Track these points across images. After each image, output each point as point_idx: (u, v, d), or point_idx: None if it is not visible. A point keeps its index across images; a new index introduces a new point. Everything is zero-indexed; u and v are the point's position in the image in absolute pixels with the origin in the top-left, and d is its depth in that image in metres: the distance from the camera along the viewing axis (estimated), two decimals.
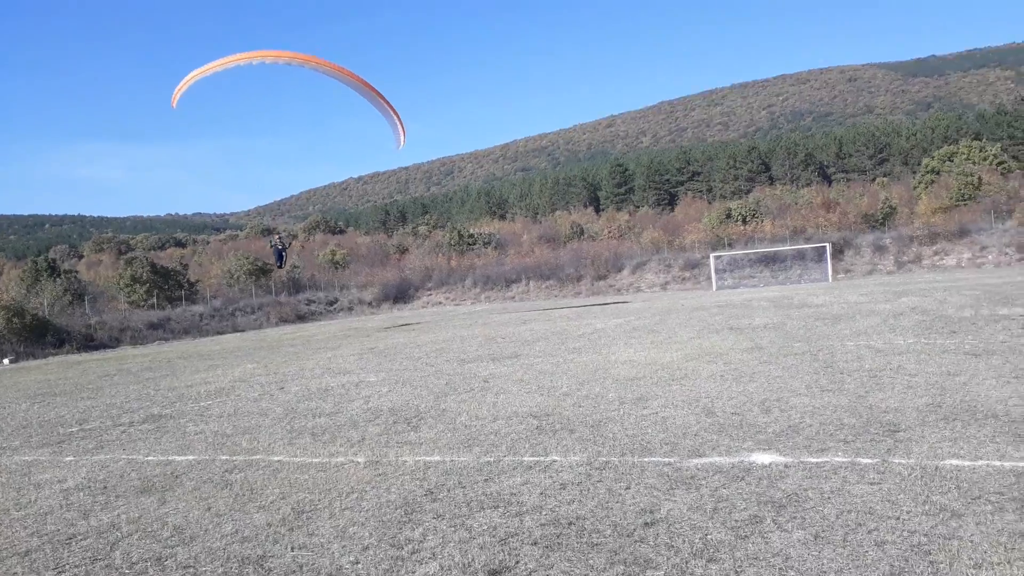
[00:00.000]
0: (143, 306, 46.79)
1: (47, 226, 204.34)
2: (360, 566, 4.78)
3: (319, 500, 6.29)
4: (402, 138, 26.72)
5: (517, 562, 4.63)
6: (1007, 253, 46.63)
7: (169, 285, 50.65)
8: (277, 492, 6.64)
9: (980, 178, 56.86)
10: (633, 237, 67.17)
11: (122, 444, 9.57)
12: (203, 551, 5.27)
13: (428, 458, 7.43)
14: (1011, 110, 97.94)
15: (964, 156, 66.40)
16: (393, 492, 6.34)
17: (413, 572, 4.61)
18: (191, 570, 4.93)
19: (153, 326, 41.16)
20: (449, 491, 6.24)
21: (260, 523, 5.79)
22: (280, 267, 35.45)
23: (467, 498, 6.01)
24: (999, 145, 73.72)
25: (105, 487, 7.36)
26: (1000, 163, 66.38)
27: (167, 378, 17.79)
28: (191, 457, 8.39)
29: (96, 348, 35.87)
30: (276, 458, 8.00)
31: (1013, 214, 49.46)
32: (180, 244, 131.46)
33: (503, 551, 4.82)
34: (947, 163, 66.04)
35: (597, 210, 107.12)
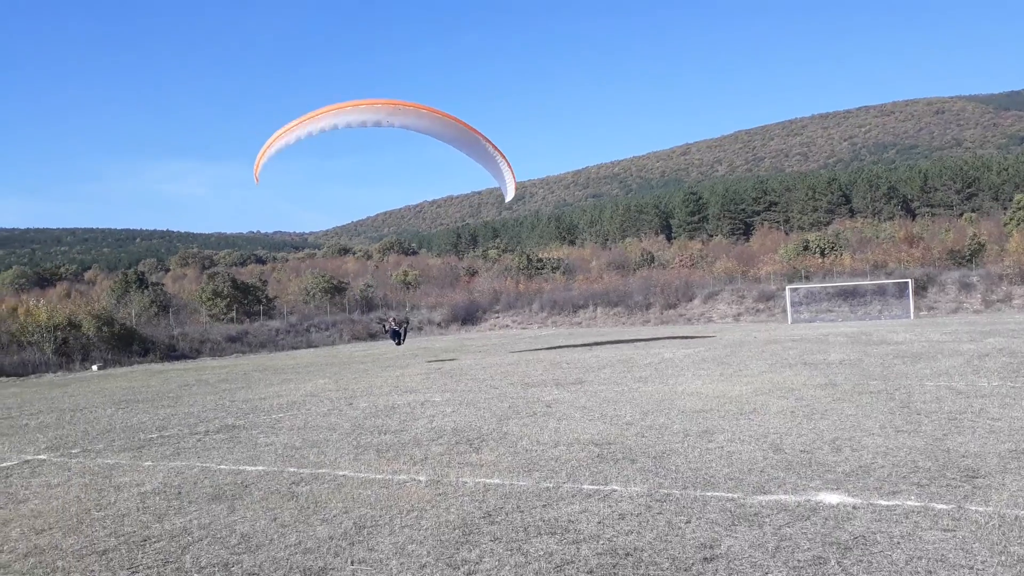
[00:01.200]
0: (223, 319, 48.58)
1: (137, 240, 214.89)
2: None
3: (380, 516, 6.41)
4: (512, 188, 24.71)
5: None
6: None
7: (248, 300, 52.48)
8: (340, 506, 6.80)
9: None
10: (705, 266, 66.14)
11: (197, 452, 9.96)
12: (267, 560, 5.44)
13: (488, 480, 7.48)
14: None
15: None
16: (452, 512, 6.41)
17: None
18: None
19: (231, 339, 42.66)
20: (507, 515, 6.27)
21: (323, 536, 5.94)
22: (399, 344, 31.79)
23: (524, 523, 6.02)
24: None
25: (179, 493, 7.67)
26: None
27: (242, 390, 18.42)
28: (261, 468, 8.67)
29: (178, 358, 37.40)
30: (341, 473, 8.19)
31: None
32: (260, 261, 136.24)
33: None
34: None
35: (669, 238, 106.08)
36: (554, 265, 73.85)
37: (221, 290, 51.21)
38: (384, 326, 29.80)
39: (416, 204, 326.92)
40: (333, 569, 5.18)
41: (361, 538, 5.85)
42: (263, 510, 6.80)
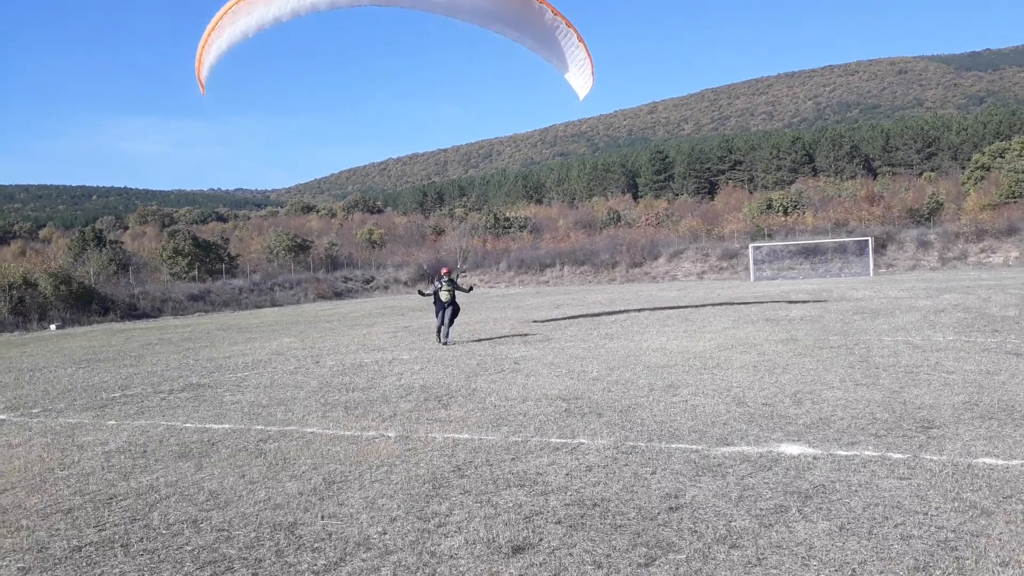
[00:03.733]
0: (184, 278, 47.80)
1: (94, 197, 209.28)
2: (387, 536, 4.89)
3: (350, 472, 6.43)
4: (589, 78, 17.51)
5: (541, 539, 4.70)
6: None
7: (210, 258, 51.65)
8: (309, 463, 6.80)
9: None
10: (671, 225, 66.58)
11: (162, 411, 9.86)
12: (237, 515, 5.43)
13: (457, 436, 7.53)
14: None
15: (1016, 152, 64.40)
16: (422, 467, 6.45)
17: (439, 544, 4.71)
18: (224, 533, 5.09)
19: (194, 298, 42.05)
20: (476, 468, 6.33)
21: (292, 491, 5.94)
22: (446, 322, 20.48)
23: (494, 476, 6.09)
24: None
25: (145, 451, 7.60)
26: None
27: (206, 349, 18.21)
28: (227, 426, 8.61)
29: (139, 317, 36.79)
30: (309, 430, 8.18)
31: None
32: (222, 219, 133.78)
33: (527, 528, 4.90)
34: (998, 159, 64.19)
35: (635, 197, 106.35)
36: (521, 224, 73.73)
37: (182, 248, 50.29)
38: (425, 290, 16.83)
39: (381, 162, 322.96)
40: (303, 524, 5.19)
41: (331, 493, 5.87)
42: (231, 467, 6.77)
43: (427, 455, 6.84)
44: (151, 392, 11.52)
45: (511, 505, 5.37)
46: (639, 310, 23.89)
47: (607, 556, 4.40)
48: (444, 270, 16.67)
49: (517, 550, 4.56)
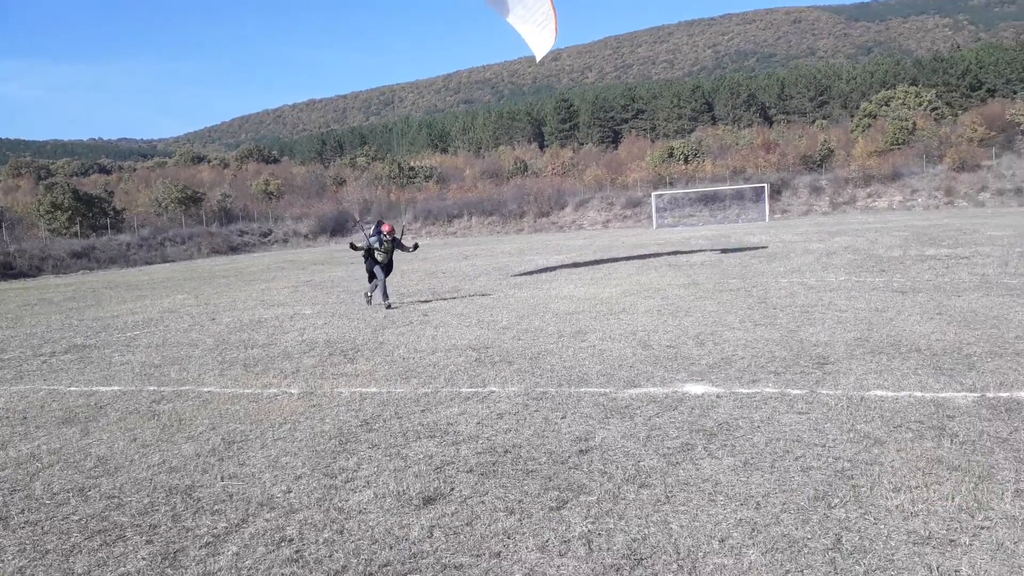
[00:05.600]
0: (65, 234, 44.81)
1: None
2: (292, 495, 4.69)
3: (250, 431, 6.15)
4: (552, 36, 16.28)
5: (452, 489, 4.62)
6: (936, 196, 48.30)
7: (93, 213, 48.54)
8: (207, 423, 6.47)
9: (915, 123, 58.34)
10: (576, 174, 67.05)
11: (43, 374, 9.19)
12: (128, 481, 5.10)
13: (364, 389, 7.34)
14: (946, 57, 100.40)
15: (900, 101, 67.94)
16: (327, 423, 6.25)
17: (347, 500, 4.55)
18: (115, 500, 4.77)
19: (77, 255, 39.54)
20: (385, 421, 6.18)
21: (189, 453, 5.64)
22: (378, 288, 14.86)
23: (403, 428, 5.95)
24: (934, 91, 75.58)
25: (25, 418, 7.06)
26: (934, 109, 68.19)
27: (91, 308, 17.14)
28: (116, 388, 8.10)
29: (16, 277, 34.32)
30: (206, 389, 7.79)
31: (944, 159, 51.05)
32: (105, 171, 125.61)
33: (438, 479, 4.80)
34: (884, 107, 67.52)
35: (541, 146, 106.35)
36: (427, 174, 72.61)
37: (61, 202, 46.97)
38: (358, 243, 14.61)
39: (275, 108, 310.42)
40: (201, 486, 4.93)
41: (231, 453, 5.60)
42: (121, 431, 6.37)
43: (333, 410, 6.62)
44: (31, 355, 10.73)
45: (421, 457, 5.26)
46: (555, 267, 24.02)
47: (519, 501, 4.37)
48: (386, 226, 14.20)
49: (428, 501, 4.46)
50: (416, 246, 15.13)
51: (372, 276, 14.00)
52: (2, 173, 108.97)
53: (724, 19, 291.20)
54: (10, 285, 30.27)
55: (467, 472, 4.90)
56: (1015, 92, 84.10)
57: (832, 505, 4.04)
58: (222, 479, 5.04)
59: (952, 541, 3.56)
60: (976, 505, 3.92)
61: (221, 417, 6.63)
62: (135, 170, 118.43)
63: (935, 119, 64.08)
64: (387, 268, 14.08)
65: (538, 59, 17.71)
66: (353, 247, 14.27)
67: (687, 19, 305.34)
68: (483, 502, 4.40)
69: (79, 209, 47.45)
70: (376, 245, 13.82)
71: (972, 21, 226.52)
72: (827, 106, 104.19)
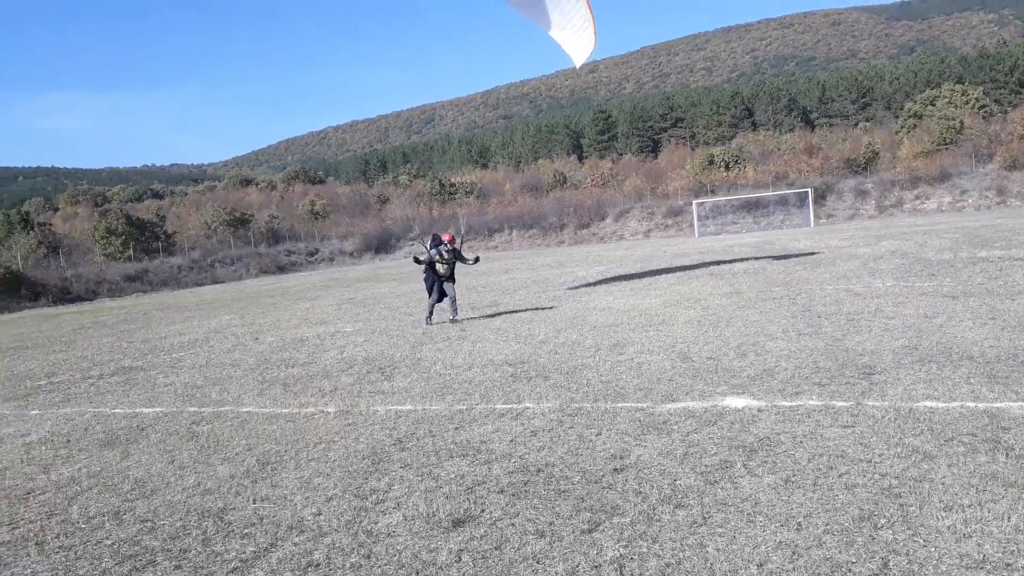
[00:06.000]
0: (120, 258, 46.15)
1: (19, 179, 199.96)
2: (322, 517, 4.66)
3: (285, 451, 6.15)
4: (591, 41, 15.84)
5: (482, 511, 4.53)
6: (987, 196, 46.78)
7: (146, 237, 49.94)
8: (243, 444, 6.50)
9: (962, 122, 56.70)
10: (616, 185, 66.68)
11: (89, 397, 9.38)
12: (163, 504, 5.13)
13: (400, 407, 7.30)
14: (993, 53, 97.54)
15: (946, 100, 66.13)
16: (362, 442, 6.22)
17: (376, 523, 4.50)
18: (148, 524, 4.80)
19: (130, 278, 40.67)
20: (418, 440, 6.13)
21: (223, 475, 5.65)
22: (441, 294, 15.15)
23: (436, 447, 5.89)
24: (981, 89, 73.41)
25: (68, 441, 7.19)
26: (982, 107, 66.20)
27: (141, 330, 17.54)
28: (159, 409, 8.22)
29: (72, 301, 35.41)
30: (245, 409, 7.85)
31: (994, 157, 49.49)
32: (157, 196, 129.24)
33: (469, 500, 4.72)
34: (929, 107, 65.80)
35: (580, 158, 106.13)
36: (467, 189, 73.01)
37: (115, 227, 48.45)
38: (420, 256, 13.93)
39: (320, 131, 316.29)
40: (234, 508, 4.93)
41: (264, 475, 5.60)
42: (160, 453, 6.44)
43: (367, 429, 6.60)
44: (80, 378, 10.98)
45: (453, 476, 5.18)
46: (590, 285, 23.85)
47: (550, 524, 4.26)
48: (447, 236, 13.60)
49: (457, 523, 4.38)
50: (477, 259, 14.69)
51: (432, 293, 13.38)
52: (61, 201, 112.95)
53: (762, 24, 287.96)
54: (67, 309, 31.24)
55: (498, 492, 4.81)
56: None
57: (878, 526, 3.85)
58: (254, 501, 5.04)
59: (1009, 565, 3.34)
60: None
61: (258, 438, 6.66)
62: (186, 194, 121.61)
63: (983, 117, 62.18)
64: (451, 281, 13.52)
65: (577, 65, 17.04)
66: (417, 260, 13.65)
67: (724, 26, 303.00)
68: (513, 524, 4.30)
69: (132, 234, 48.86)
70: (437, 257, 13.28)
71: (1019, 16, 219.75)
72: (870, 108, 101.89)
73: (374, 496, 4.95)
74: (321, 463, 5.76)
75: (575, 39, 16.27)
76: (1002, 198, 46.18)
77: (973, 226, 28.29)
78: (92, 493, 5.53)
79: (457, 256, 13.58)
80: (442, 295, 13.35)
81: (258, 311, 19.75)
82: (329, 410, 7.46)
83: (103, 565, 4.23)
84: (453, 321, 13.16)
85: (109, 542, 4.56)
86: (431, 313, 13.38)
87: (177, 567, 4.12)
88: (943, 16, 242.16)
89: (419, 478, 5.21)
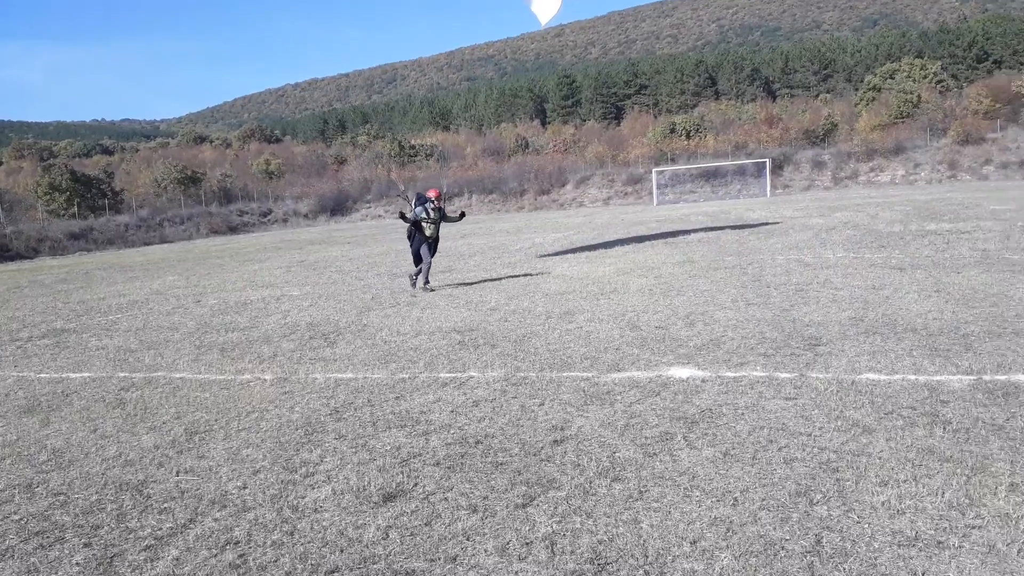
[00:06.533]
0: (63, 216, 44.56)
1: None
2: (247, 491, 4.45)
3: (216, 420, 5.91)
4: (557, 2, 15.44)
5: (415, 484, 4.37)
6: (939, 170, 47.68)
7: (92, 194, 48.27)
8: (172, 412, 6.23)
9: (919, 96, 57.51)
10: (578, 151, 66.44)
11: (15, 361, 8.96)
12: (79, 476, 4.87)
13: (340, 375, 7.08)
14: (953, 29, 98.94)
15: (905, 74, 66.95)
16: (296, 411, 6.00)
17: (303, 497, 4.31)
18: (62, 497, 4.54)
19: (74, 236, 39.34)
20: (356, 410, 5.93)
21: (147, 445, 5.39)
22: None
23: (374, 417, 5.70)
24: (939, 64, 74.45)
25: None
26: (940, 81, 67.21)
27: (80, 290, 16.91)
28: (87, 374, 7.87)
29: (12, 259, 34.13)
30: (178, 375, 7.55)
31: (948, 132, 50.35)
32: (107, 151, 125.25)
33: (402, 473, 4.55)
34: (889, 80, 66.56)
35: (543, 123, 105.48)
36: (428, 152, 72.05)
37: (59, 183, 46.68)
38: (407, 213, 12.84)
39: (278, 88, 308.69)
40: (155, 481, 4.69)
41: (191, 445, 5.36)
42: (82, 421, 6.13)
43: (304, 398, 6.37)
44: (7, 340, 10.49)
45: (388, 448, 5.01)
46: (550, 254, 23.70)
47: (484, 498, 4.12)
48: (433, 192, 12.73)
49: (388, 498, 4.21)
50: (463, 215, 14.13)
51: (424, 256, 12.44)
52: (5, 155, 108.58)
53: None
54: (5, 267, 30.09)
55: (434, 465, 4.65)
56: (1022, 64, 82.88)
57: (814, 502, 3.78)
58: (177, 474, 4.80)
59: (940, 543, 3.29)
60: (967, 501, 3.65)
61: (188, 406, 6.40)
62: (137, 151, 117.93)
63: (940, 92, 63.16)
64: (434, 245, 12.68)
65: (543, 24, 16.59)
66: (403, 217, 12.69)
67: None
68: (446, 499, 4.15)
69: (77, 190, 47.17)
70: (423, 216, 12.42)
71: None
72: (831, 79, 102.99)
73: (304, 469, 4.75)
74: (252, 433, 5.53)
75: None
76: (953, 172, 47.13)
77: (924, 199, 28.79)
78: (5, 464, 5.23)
79: (442, 215, 12.79)
80: (428, 255, 12.49)
81: (204, 272, 19.20)
82: (266, 377, 7.20)
83: (7, 542, 3.97)
84: (421, 285, 12.49)
85: (17, 517, 4.29)
86: (427, 278, 12.53)
87: (87, 544, 3.88)
88: None
89: (353, 450, 5.03)
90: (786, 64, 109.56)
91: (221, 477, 4.70)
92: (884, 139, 51.47)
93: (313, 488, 4.43)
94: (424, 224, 12.47)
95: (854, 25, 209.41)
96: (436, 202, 12.57)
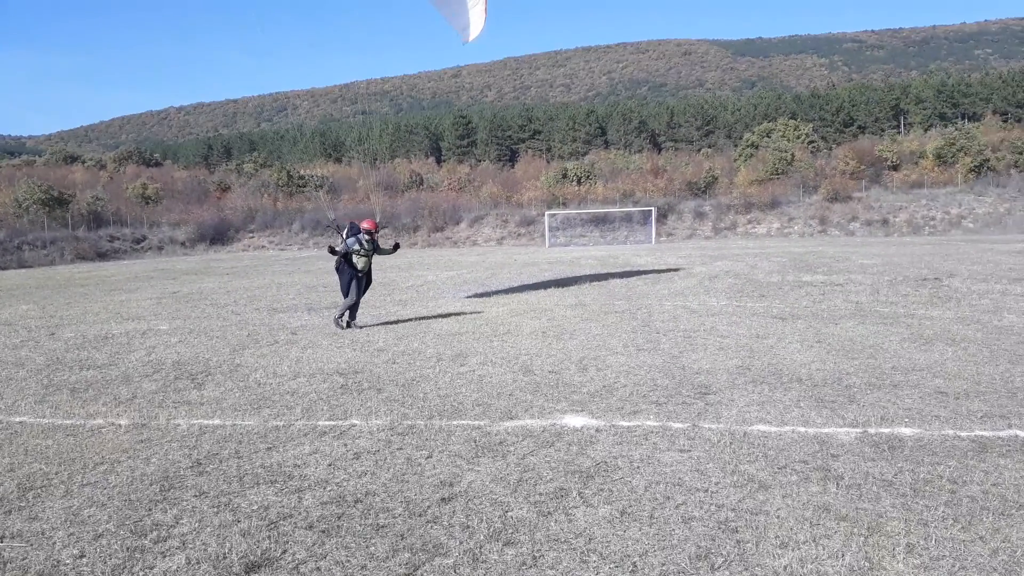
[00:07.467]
0: None
1: None
2: (84, 560, 3.84)
3: (56, 473, 5.18)
4: (482, 15, 14.53)
5: (284, 552, 3.90)
6: (811, 224, 50.84)
7: None
8: (5, 463, 5.45)
9: (793, 155, 61.36)
10: (473, 191, 66.66)
11: None
12: None
13: (206, 422, 6.45)
14: (823, 94, 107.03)
15: (780, 133, 71.44)
16: (153, 463, 5.36)
17: (151, 567, 3.75)
18: None
19: None
20: (221, 462, 5.36)
21: None
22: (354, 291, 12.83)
23: (241, 471, 5.15)
24: (811, 125, 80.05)
25: None
26: (811, 142, 72.08)
27: None
28: None
29: None
30: (18, 419, 6.68)
31: (819, 189, 53.87)
32: None
33: (269, 538, 4.07)
34: (765, 138, 70.78)
35: (438, 161, 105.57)
36: (318, 183, 70.35)
37: None
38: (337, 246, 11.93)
39: (160, 110, 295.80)
40: None
41: (23, 504, 4.65)
42: None
43: (163, 447, 5.72)
44: None
45: (255, 508, 4.49)
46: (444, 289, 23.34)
47: (362, 568, 3.70)
48: (367, 223, 11.91)
49: (251, 568, 3.73)
50: (396, 246, 13.39)
51: (351, 292, 11.67)
52: None
53: (619, 47, 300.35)
54: None
55: (306, 528, 4.19)
56: (882, 130, 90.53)
57: (715, 566, 3.60)
58: (2, 539, 4.11)
59: None
60: (868, 565, 3.56)
61: (26, 456, 5.62)
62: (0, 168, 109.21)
63: (811, 151, 67.71)
64: (365, 279, 11.94)
65: (469, 38, 16.08)
66: (332, 251, 11.80)
67: (584, 45, 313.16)
68: (319, 569, 3.71)
69: None
70: (356, 247, 11.67)
71: (846, 62, 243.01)
72: (713, 135, 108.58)
73: (155, 532, 4.17)
74: (98, 489, 4.87)
75: (464, 14, 15.31)
76: (824, 227, 50.36)
77: (799, 252, 30.43)
78: None
79: (376, 247, 12.03)
80: (359, 293, 11.79)
81: (63, 302, 17.63)
82: (121, 423, 6.46)
83: None
84: (355, 325, 11.79)
85: None
86: (352, 316, 11.82)
87: None
88: (782, 56, 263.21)
89: (214, 510, 4.48)
90: (671, 118, 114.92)
91: (55, 543, 4.06)
92: (761, 193, 54.48)
93: (164, 556, 3.87)
94: (355, 257, 11.77)
95: (734, 85, 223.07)
96: (371, 235, 11.86)
